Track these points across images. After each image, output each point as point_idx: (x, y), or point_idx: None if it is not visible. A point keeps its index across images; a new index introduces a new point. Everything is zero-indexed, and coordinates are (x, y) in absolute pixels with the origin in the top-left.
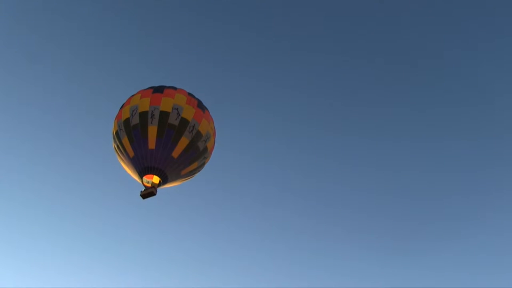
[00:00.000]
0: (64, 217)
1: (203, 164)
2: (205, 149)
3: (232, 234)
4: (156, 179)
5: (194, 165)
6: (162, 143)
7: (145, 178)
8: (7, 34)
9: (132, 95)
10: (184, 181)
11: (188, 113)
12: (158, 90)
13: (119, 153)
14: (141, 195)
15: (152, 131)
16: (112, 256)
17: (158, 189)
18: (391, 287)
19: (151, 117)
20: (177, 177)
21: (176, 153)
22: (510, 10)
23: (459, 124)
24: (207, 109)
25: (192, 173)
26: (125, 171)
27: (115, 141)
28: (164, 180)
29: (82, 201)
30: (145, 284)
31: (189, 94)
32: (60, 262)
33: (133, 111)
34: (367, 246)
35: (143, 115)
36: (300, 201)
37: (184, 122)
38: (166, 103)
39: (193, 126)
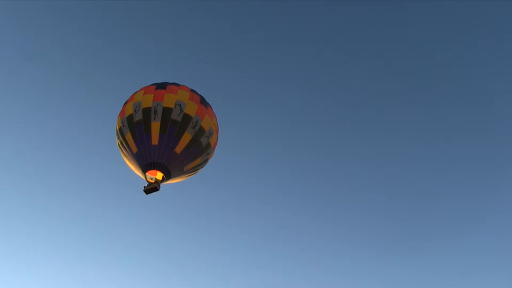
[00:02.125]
0: (67, 214)
1: (206, 160)
2: (208, 145)
3: (233, 232)
4: (159, 175)
5: (197, 161)
6: (165, 138)
7: (148, 174)
8: (7, 34)
9: (135, 92)
10: (188, 177)
11: (191, 109)
12: (161, 86)
13: (122, 149)
14: (144, 191)
15: (155, 127)
16: (114, 253)
17: (162, 184)
18: (391, 287)
19: (154, 113)
20: (180, 172)
21: (179, 148)
22: (510, 9)
23: (459, 124)
24: (210, 105)
25: (195, 169)
26: (129, 167)
27: (118, 138)
28: (167, 176)
29: (86, 197)
30: (147, 283)
31: (192, 90)
32: (62, 260)
33: (136, 107)
34: (367, 246)
35: (146, 111)
36: (300, 200)
37: (187, 118)
38: (169, 99)
39: (196, 122)
